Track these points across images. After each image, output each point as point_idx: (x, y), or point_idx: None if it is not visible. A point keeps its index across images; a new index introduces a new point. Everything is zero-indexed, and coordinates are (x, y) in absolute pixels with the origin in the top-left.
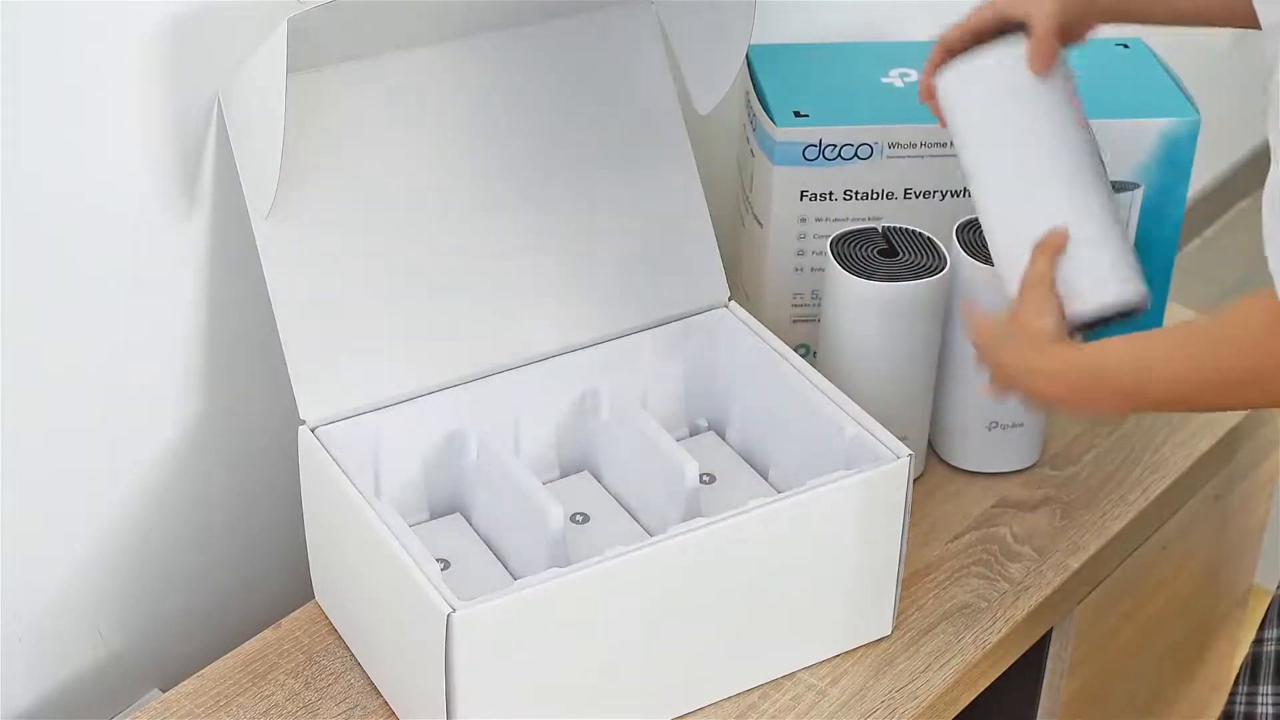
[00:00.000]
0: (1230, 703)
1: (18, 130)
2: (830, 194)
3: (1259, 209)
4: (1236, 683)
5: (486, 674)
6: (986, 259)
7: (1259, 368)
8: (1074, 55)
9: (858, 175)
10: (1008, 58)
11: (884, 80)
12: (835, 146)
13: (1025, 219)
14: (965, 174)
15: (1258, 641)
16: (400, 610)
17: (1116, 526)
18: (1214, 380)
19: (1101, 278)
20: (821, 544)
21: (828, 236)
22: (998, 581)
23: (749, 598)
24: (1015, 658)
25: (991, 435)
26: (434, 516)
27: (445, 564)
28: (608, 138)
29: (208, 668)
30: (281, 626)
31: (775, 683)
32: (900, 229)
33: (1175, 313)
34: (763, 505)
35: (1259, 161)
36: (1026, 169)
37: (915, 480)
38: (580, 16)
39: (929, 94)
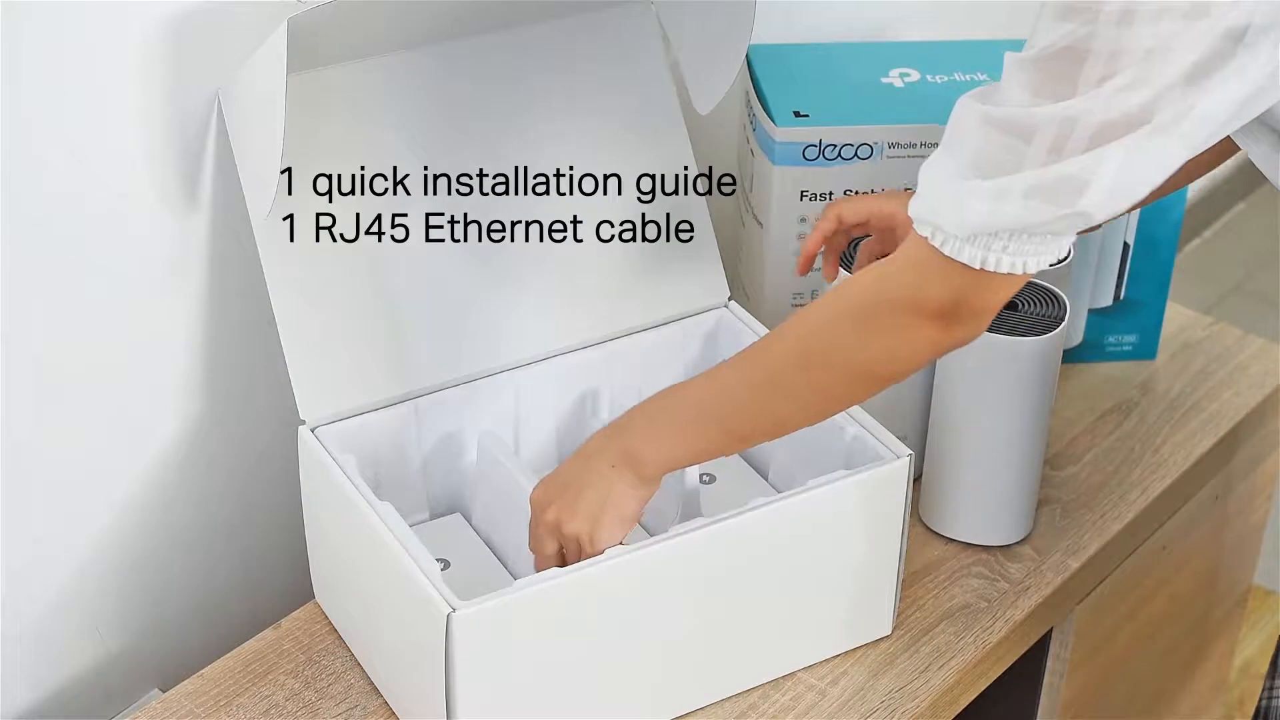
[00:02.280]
0: (1261, 697)
1: (18, 130)
2: (830, 194)
3: (1258, 210)
4: (1267, 677)
5: (486, 674)
6: None
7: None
8: None
9: (858, 175)
10: None
11: (884, 80)
12: (835, 146)
13: None
14: None
15: None
16: (400, 610)
17: (1116, 526)
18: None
19: None
20: (821, 544)
21: None
22: (998, 581)
23: (749, 598)
24: (1015, 658)
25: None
26: (434, 516)
27: (445, 564)
28: (608, 138)
29: (208, 668)
30: (281, 626)
31: (775, 683)
32: None
33: (1175, 312)
34: (763, 505)
35: None
36: None
37: (915, 480)
38: (580, 16)
39: (809, 265)
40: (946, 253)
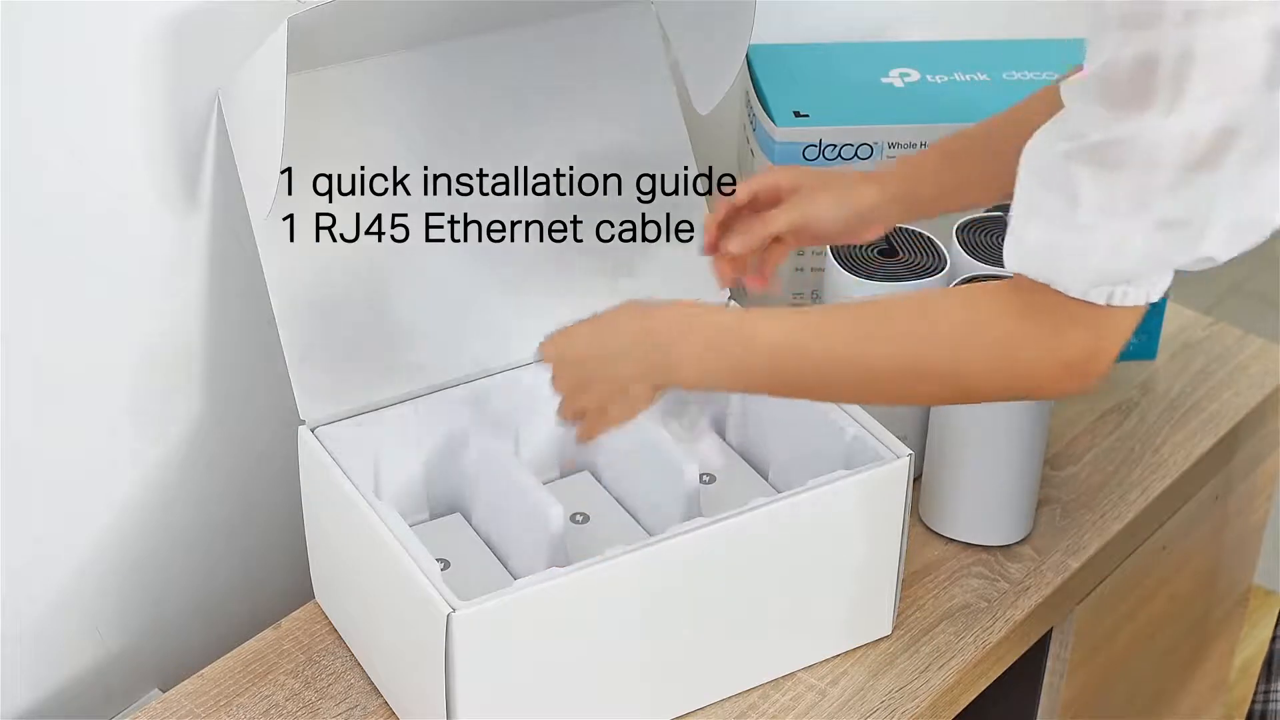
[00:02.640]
0: (1253, 701)
1: (18, 130)
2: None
3: None
4: (1258, 681)
5: (486, 674)
6: (986, 259)
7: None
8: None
9: None
10: None
11: (884, 80)
12: (835, 146)
13: None
14: None
15: (1277, 639)
16: (400, 610)
17: (1116, 526)
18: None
19: None
20: (821, 544)
21: None
22: (998, 581)
23: (749, 598)
24: (1015, 658)
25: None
26: (434, 516)
27: (445, 564)
28: (608, 138)
29: (208, 668)
30: (281, 626)
31: (775, 683)
32: (900, 229)
33: (1175, 312)
34: (763, 505)
35: None
36: None
37: (915, 480)
38: (580, 16)
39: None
40: (1074, 295)
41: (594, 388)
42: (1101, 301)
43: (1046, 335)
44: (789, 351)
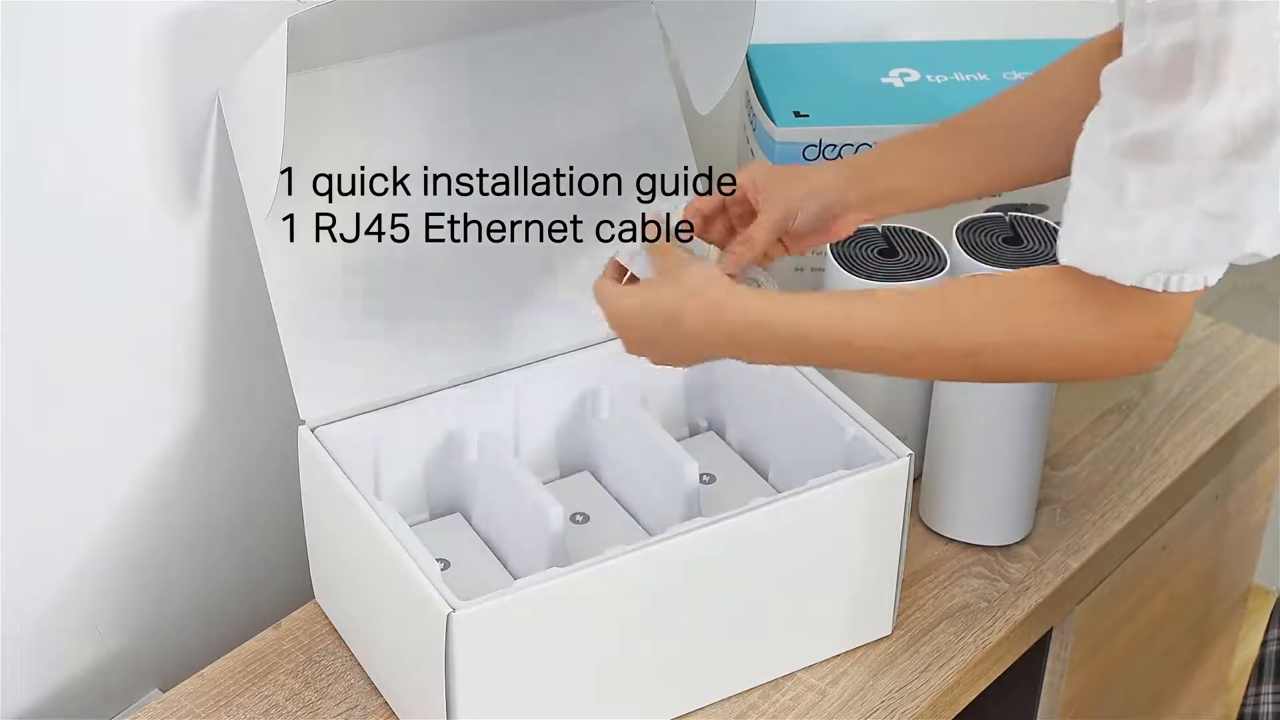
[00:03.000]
0: (1243, 705)
1: (18, 130)
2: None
3: None
4: (1248, 685)
5: (486, 674)
6: (986, 259)
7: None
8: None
9: None
10: None
11: (884, 80)
12: (835, 146)
13: None
14: None
15: (1265, 643)
16: (400, 610)
17: (1116, 526)
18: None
19: None
20: (821, 544)
21: None
22: (998, 581)
23: (749, 598)
24: (1015, 658)
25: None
26: (434, 516)
27: (445, 564)
28: (608, 138)
29: (208, 668)
30: (281, 626)
31: (775, 683)
32: (900, 229)
33: None
34: (763, 505)
35: None
36: None
37: (915, 480)
38: (580, 16)
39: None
40: (1128, 285)
41: (652, 355)
42: (1158, 288)
43: (1107, 321)
44: (846, 341)
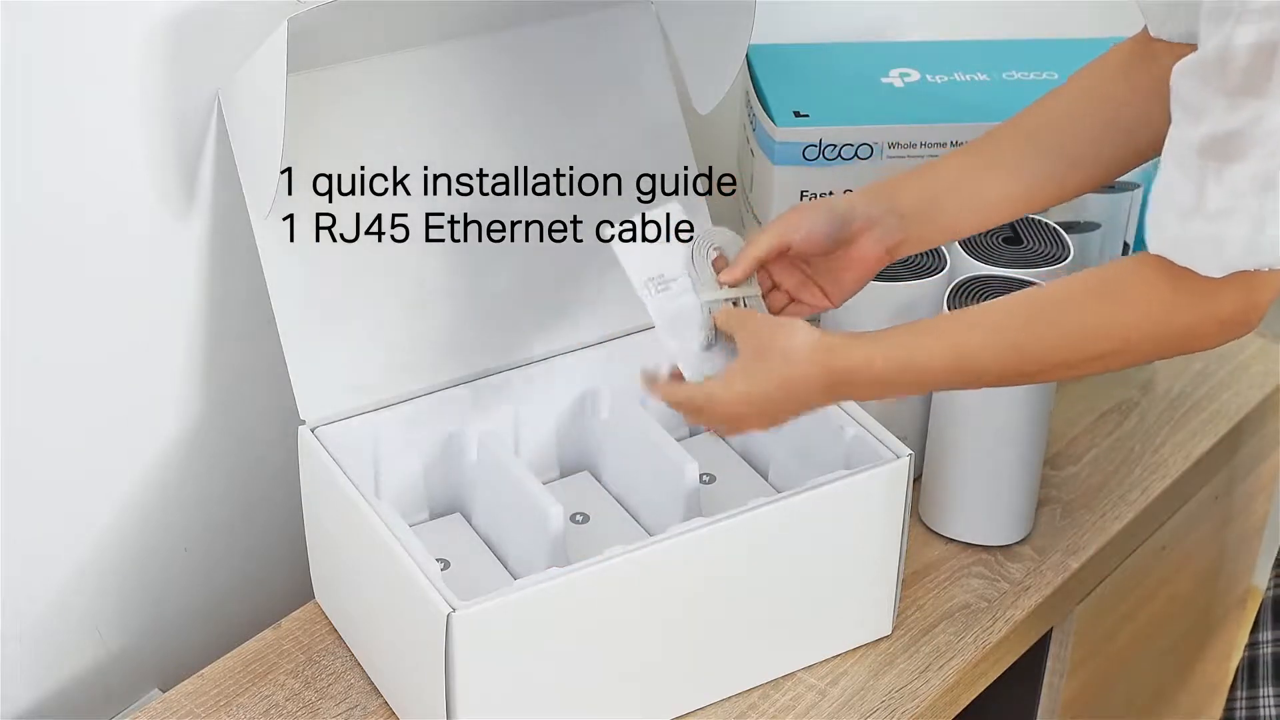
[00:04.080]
0: (1229, 709)
1: (18, 130)
2: (830, 194)
3: None
4: (1233, 688)
5: (486, 674)
6: (986, 259)
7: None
8: (1072, 54)
9: (858, 175)
10: None
11: (884, 80)
12: (835, 146)
13: None
14: None
15: (1252, 645)
16: (400, 610)
17: (1116, 526)
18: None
19: None
20: (821, 544)
21: None
22: (998, 581)
23: (749, 598)
24: (1015, 658)
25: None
26: (434, 516)
27: (445, 564)
28: (607, 137)
29: (208, 668)
30: (281, 626)
31: (775, 683)
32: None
33: None
34: (763, 505)
35: None
36: None
37: (915, 480)
38: (580, 16)
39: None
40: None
41: (759, 428)
42: (1250, 268)
43: (1200, 300)
44: (954, 370)
